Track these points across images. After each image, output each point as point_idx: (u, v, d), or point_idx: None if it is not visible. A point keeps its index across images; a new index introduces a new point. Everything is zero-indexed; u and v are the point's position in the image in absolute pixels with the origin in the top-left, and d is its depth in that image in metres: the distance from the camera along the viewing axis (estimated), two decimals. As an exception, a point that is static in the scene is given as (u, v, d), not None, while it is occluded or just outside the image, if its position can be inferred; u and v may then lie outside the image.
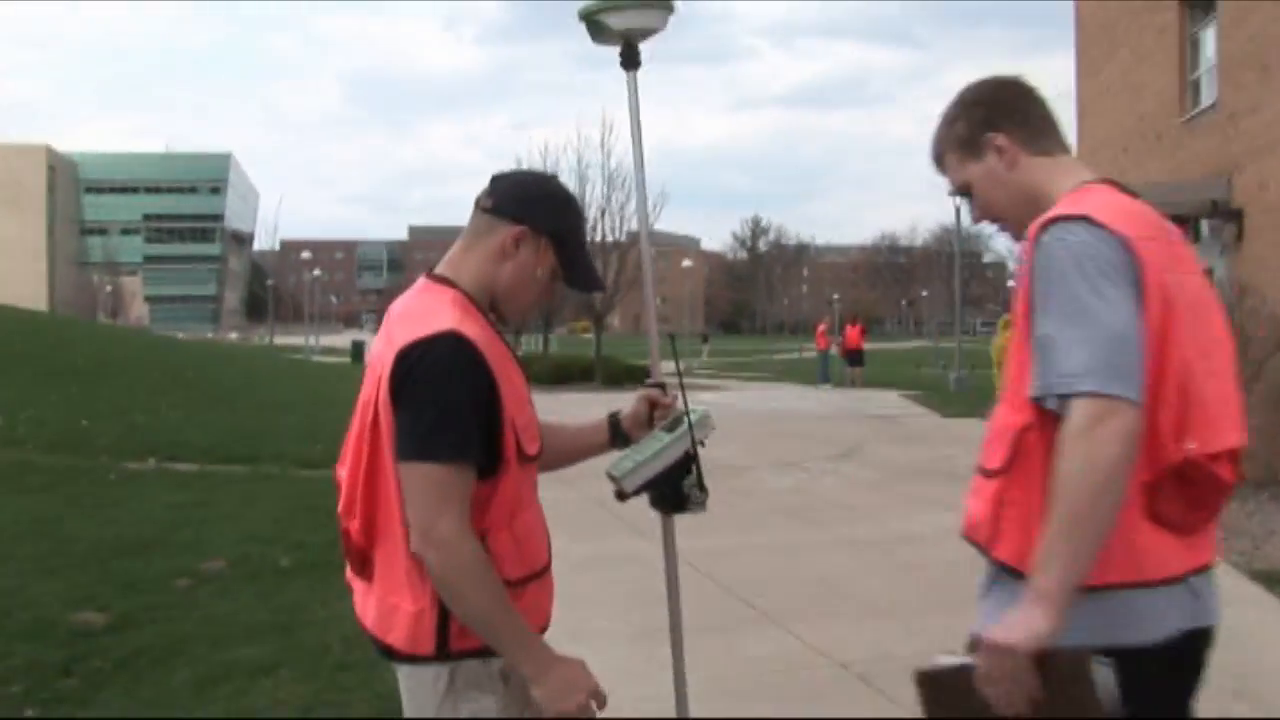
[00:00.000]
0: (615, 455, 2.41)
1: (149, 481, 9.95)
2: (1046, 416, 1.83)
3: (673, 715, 2.62)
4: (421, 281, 2.15)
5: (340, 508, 2.11)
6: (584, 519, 7.99)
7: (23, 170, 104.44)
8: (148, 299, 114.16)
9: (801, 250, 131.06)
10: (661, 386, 2.49)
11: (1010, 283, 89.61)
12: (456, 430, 1.91)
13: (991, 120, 2.08)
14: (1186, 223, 12.91)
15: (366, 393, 2.04)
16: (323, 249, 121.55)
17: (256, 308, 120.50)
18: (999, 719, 1.79)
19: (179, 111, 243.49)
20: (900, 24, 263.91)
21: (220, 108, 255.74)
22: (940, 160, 2.17)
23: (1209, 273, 8.53)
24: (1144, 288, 1.82)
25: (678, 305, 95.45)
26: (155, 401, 15.70)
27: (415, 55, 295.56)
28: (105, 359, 20.26)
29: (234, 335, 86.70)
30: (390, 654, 2.04)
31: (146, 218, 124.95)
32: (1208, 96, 14.02)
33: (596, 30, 2.66)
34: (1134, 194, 2.00)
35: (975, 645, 1.85)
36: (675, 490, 2.34)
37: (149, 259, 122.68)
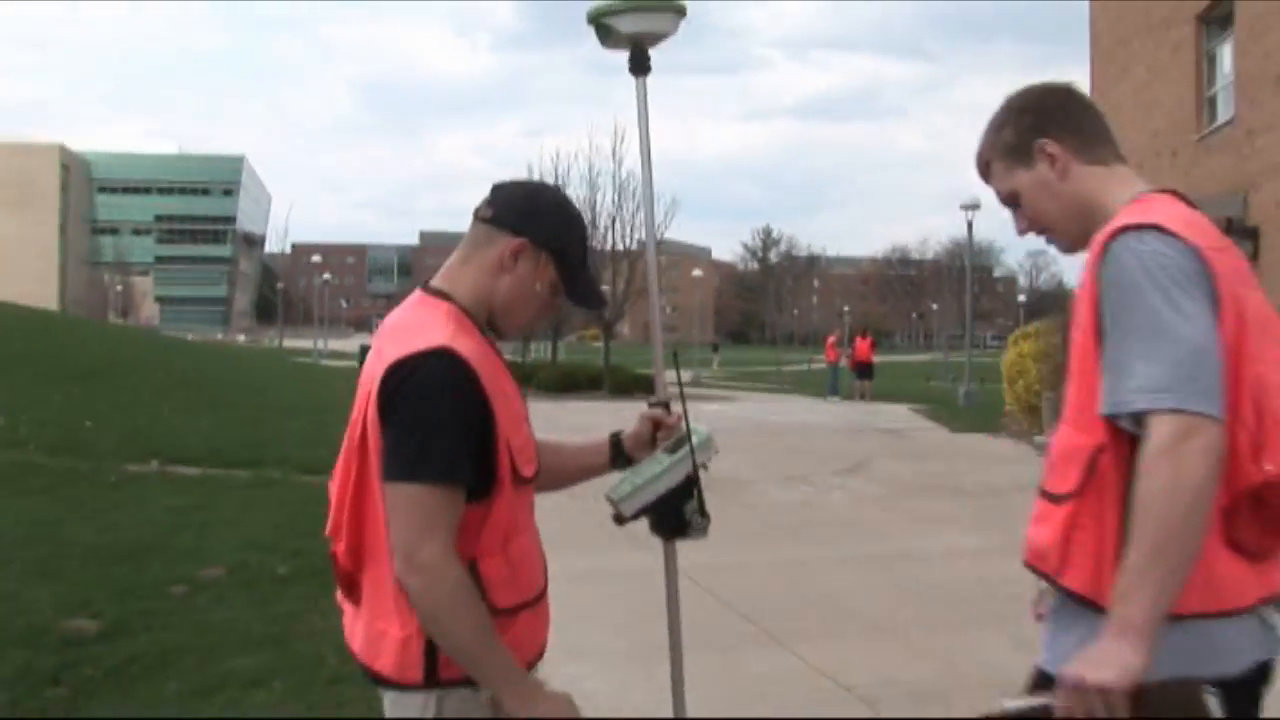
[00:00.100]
0: (616, 477, 2.33)
1: (150, 485, 9.88)
2: (1120, 437, 1.74)
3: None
4: (416, 294, 2.07)
5: (328, 529, 2.04)
6: (585, 531, 7.89)
7: (36, 169, 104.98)
8: (158, 299, 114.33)
9: (812, 262, 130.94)
10: (665, 406, 2.41)
11: (1021, 297, 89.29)
12: (445, 451, 1.83)
13: (1041, 127, 1.99)
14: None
15: (356, 409, 1.97)
16: (333, 253, 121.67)
17: (266, 310, 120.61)
18: None
19: (191, 114, 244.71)
20: (912, 37, 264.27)
21: (232, 112, 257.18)
22: (986, 168, 2.08)
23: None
24: (1219, 299, 1.74)
25: (688, 315, 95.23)
26: (159, 404, 15.64)
27: (428, 61, 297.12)
28: (111, 360, 20.23)
29: (242, 337, 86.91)
30: (378, 680, 1.97)
31: (158, 218, 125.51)
32: (1224, 113, 13.95)
33: (605, 34, 2.57)
34: (1194, 205, 1.92)
35: (1038, 681, 1.75)
36: (676, 515, 2.25)
37: (160, 259, 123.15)
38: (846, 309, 76.62)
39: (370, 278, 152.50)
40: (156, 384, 17.95)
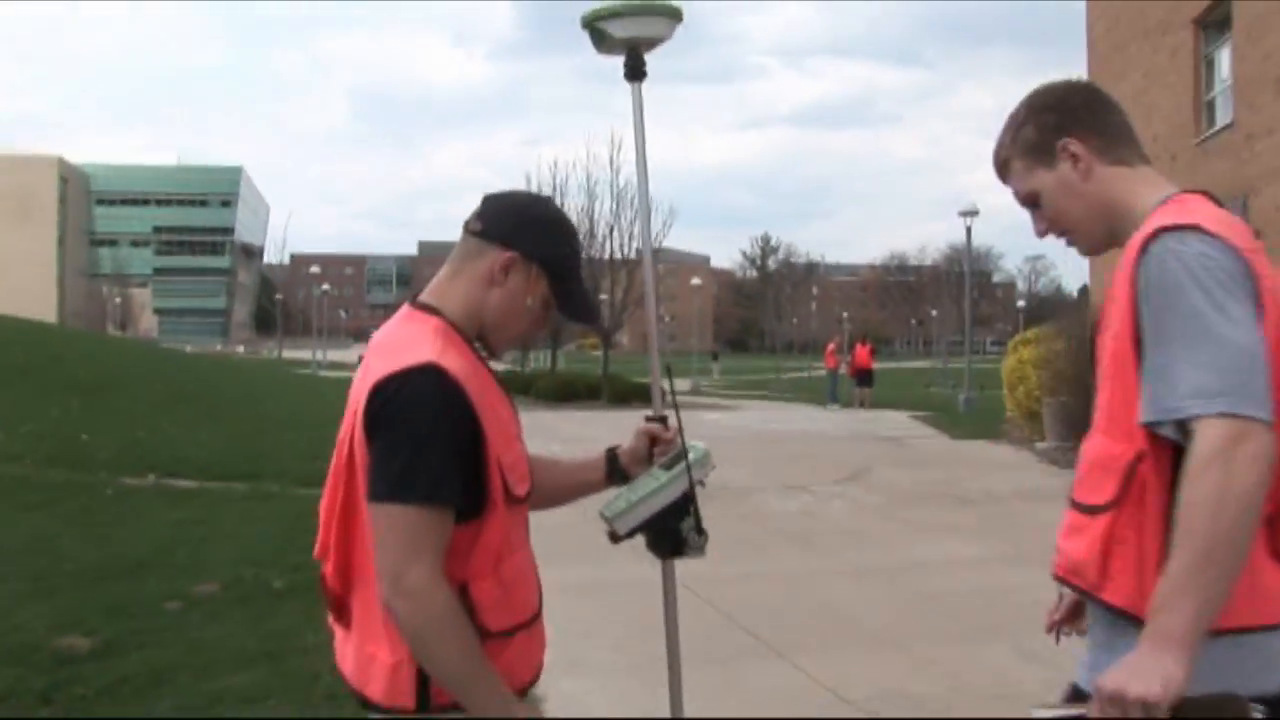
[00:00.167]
0: (611, 493, 2.28)
1: (147, 498, 9.83)
2: (1160, 444, 1.68)
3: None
4: (404, 309, 2.01)
5: (316, 550, 1.99)
6: (585, 541, 7.83)
7: (34, 181, 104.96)
8: (157, 311, 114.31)
9: (811, 269, 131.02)
10: (663, 420, 2.35)
11: (1020, 303, 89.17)
12: (431, 470, 1.77)
13: (1064, 125, 1.93)
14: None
15: (344, 427, 1.92)
16: (332, 264, 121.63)
17: (266, 321, 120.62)
18: None
19: (190, 126, 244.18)
20: (908, 44, 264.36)
21: (230, 123, 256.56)
22: (1005, 167, 2.02)
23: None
24: (1261, 301, 1.69)
25: (686, 323, 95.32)
26: (157, 416, 15.59)
27: (425, 72, 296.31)
28: (109, 372, 20.18)
29: (241, 349, 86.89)
30: (369, 706, 1.91)
31: (157, 230, 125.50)
32: (1223, 117, 13.92)
33: (599, 39, 2.52)
34: (1223, 206, 1.87)
35: (1073, 698, 1.69)
36: (672, 533, 2.19)
37: (159, 271, 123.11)
38: (846, 316, 76.52)
39: (369, 288, 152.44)
40: (155, 396, 17.91)
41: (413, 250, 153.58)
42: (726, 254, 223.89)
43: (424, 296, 2.01)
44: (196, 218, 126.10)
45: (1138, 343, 1.73)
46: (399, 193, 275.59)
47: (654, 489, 2.18)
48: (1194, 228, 1.71)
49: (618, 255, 30.71)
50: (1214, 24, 14.26)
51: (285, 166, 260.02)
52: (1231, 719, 1.60)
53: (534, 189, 28.48)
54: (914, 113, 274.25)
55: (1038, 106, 1.97)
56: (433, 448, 1.77)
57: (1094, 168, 1.92)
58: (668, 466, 2.23)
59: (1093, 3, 19.32)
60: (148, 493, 10.14)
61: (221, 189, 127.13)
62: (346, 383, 1.93)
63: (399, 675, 1.85)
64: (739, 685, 5.17)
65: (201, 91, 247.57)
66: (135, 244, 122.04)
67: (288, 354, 65.33)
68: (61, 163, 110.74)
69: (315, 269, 66.38)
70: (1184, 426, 1.63)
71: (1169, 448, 1.67)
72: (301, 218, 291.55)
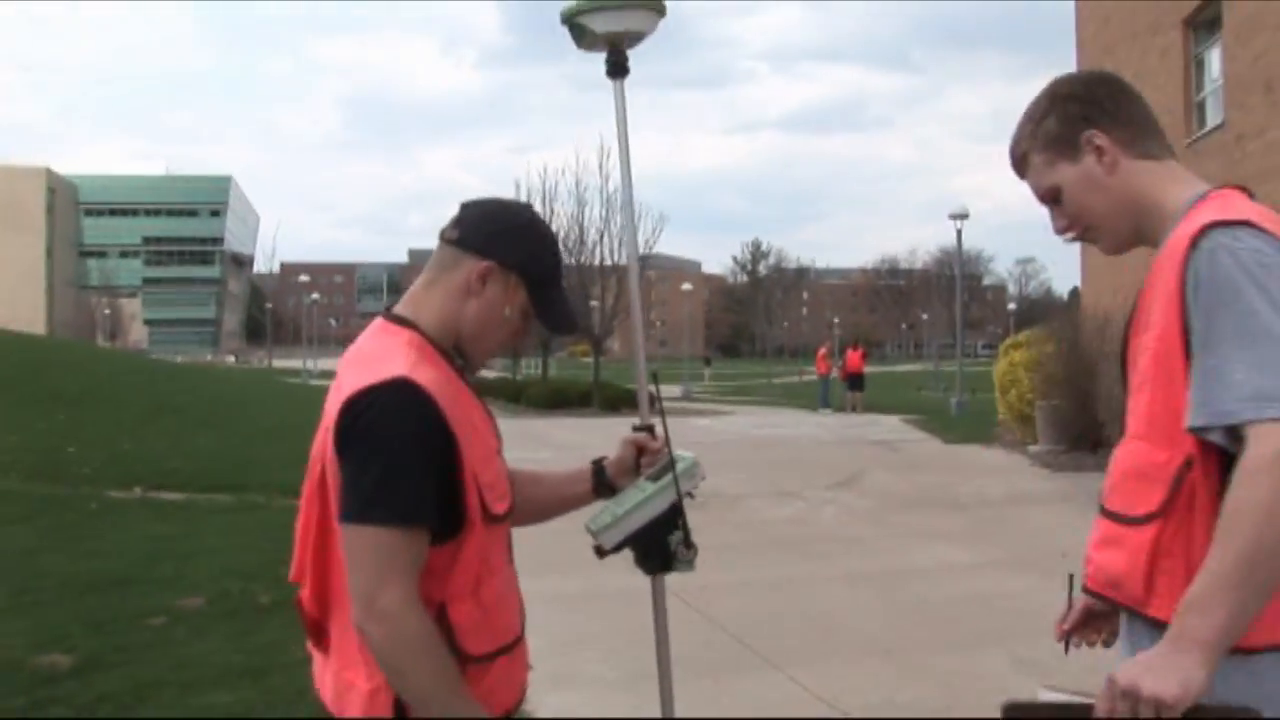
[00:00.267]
0: (598, 506, 2.20)
1: (132, 511, 9.72)
2: (1209, 452, 1.59)
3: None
4: (378, 322, 1.93)
5: (292, 573, 1.91)
6: (574, 551, 7.76)
7: (22, 192, 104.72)
8: (147, 322, 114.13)
9: (801, 274, 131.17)
10: (650, 429, 2.28)
11: (1011, 305, 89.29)
12: (403, 490, 1.70)
13: (1090, 117, 1.83)
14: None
15: (316, 445, 1.84)
16: (322, 272, 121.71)
17: (256, 331, 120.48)
18: None
19: (178, 135, 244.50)
20: (898, 48, 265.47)
21: (219, 131, 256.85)
22: (1022, 162, 1.92)
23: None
24: None
25: (677, 328, 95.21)
26: (144, 428, 15.49)
27: (414, 79, 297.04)
28: (96, 383, 20.06)
29: (231, 358, 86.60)
30: (348, 733, 1.84)
31: (146, 240, 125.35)
32: (1213, 118, 13.90)
33: (580, 34, 2.45)
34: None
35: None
36: (660, 547, 2.11)
37: (148, 281, 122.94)
38: (836, 320, 76.65)
39: (359, 296, 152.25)
40: (141, 408, 17.78)
41: (403, 258, 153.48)
42: (717, 259, 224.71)
43: (398, 308, 1.94)
44: (186, 228, 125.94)
45: (1187, 343, 1.64)
46: (389, 200, 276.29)
47: (640, 501, 2.11)
48: (1245, 223, 1.63)
49: (608, 261, 30.65)
50: (1204, 25, 14.24)
51: (275, 174, 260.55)
52: None
53: (524, 196, 28.49)
54: (904, 116, 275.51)
55: (1062, 96, 1.88)
56: (405, 466, 1.70)
57: (1120, 161, 1.83)
58: (655, 478, 2.15)
59: (1082, 4, 19.33)
60: (133, 506, 10.03)
61: (210, 198, 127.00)
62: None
63: (376, 702, 1.78)
64: (731, 696, 5.09)
65: (190, 100, 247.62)
66: (124, 254, 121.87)
67: (278, 363, 65.23)
68: (49, 173, 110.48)
69: (305, 277, 66.40)
70: (1235, 432, 1.54)
71: (1217, 454, 1.58)
72: (291, 225, 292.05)
